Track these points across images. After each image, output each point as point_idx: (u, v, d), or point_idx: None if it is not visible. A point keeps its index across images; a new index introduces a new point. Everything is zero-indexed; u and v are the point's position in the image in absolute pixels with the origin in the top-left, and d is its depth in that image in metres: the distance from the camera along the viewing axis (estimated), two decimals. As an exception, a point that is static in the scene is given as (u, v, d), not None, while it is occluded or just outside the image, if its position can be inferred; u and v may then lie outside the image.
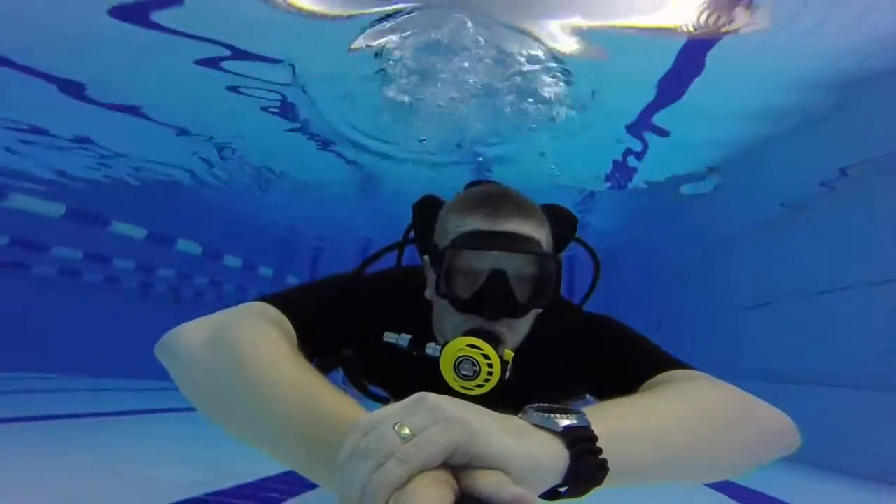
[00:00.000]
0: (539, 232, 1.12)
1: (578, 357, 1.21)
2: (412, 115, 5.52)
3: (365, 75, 4.61)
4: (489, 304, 1.07)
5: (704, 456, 0.88)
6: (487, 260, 1.08)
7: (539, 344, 1.20)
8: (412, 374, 1.20)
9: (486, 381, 1.02)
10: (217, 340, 0.95)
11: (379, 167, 7.28)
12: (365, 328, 1.22)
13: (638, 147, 5.99)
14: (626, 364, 1.12)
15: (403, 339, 1.17)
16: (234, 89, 5.10)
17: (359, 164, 7.26)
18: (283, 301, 1.12)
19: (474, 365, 1.01)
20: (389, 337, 1.18)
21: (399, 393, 1.44)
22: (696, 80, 4.22)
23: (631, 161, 6.45)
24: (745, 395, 0.99)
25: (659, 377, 1.05)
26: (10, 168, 8.25)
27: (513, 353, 1.08)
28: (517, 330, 1.12)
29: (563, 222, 1.29)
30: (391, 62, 4.41)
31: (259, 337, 0.93)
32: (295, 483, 2.71)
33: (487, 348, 1.01)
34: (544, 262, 1.12)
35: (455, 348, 1.03)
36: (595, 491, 0.69)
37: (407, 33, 3.99)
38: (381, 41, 4.08)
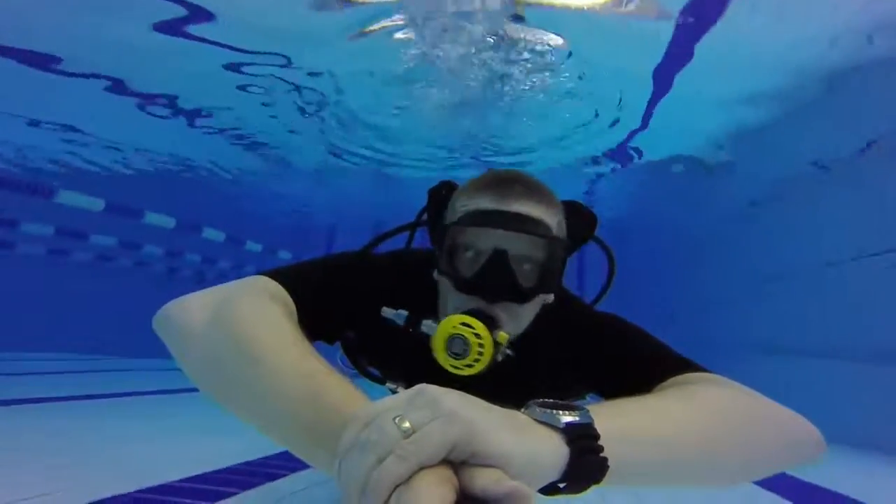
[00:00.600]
0: (549, 216, 1.06)
1: (588, 357, 1.15)
2: (422, 100, 5.44)
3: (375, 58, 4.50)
4: (489, 284, 1.01)
5: (713, 459, 0.83)
6: (491, 239, 1.03)
7: (547, 341, 1.15)
8: (409, 355, 1.16)
9: (476, 360, 0.97)
10: (218, 319, 0.91)
11: (391, 153, 7.22)
12: (368, 307, 1.17)
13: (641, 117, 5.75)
14: (638, 366, 1.05)
15: (400, 316, 1.11)
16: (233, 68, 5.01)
17: (372, 150, 7.21)
18: (287, 276, 1.07)
19: (465, 343, 0.96)
20: (387, 312, 1.13)
21: (395, 374, 1.39)
22: (706, 35, 3.84)
23: (636, 133, 6.27)
24: (761, 398, 0.93)
25: (672, 380, 0.98)
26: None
27: (507, 336, 1.01)
28: (518, 316, 1.06)
29: (581, 219, 1.23)
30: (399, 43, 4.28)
31: (261, 317, 0.89)
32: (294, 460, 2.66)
33: (480, 327, 0.96)
34: (550, 247, 1.05)
35: (448, 326, 0.98)
36: (595, 488, 0.67)
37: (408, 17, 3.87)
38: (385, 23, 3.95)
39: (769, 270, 6.58)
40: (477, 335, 0.96)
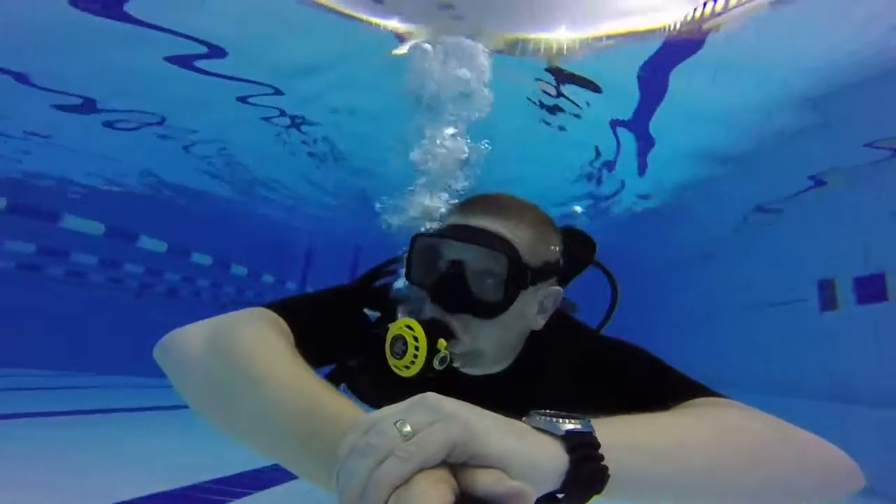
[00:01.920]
0: (513, 233, 1.00)
1: (597, 384, 1.07)
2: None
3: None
4: (439, 292, 0.99)
5: (724, 476, 0.75)
6: (449, 252, 1.02)
7: (554, 368, 1.11)
8: (408, 385, 1.12)
9: (412, 363, 0.94)
10: (216, 343, 0.88)
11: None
12: (364, 332, 1.12)
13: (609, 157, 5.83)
14: (651, 389, 0.97)
15: (374, 316, 1.10)
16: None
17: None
18: (284, 307, 1.04)
19: (404, 344, 0.95)
20: (368, 312, 1.10)
21: (400, 398, 1.31)
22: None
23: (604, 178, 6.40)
24: (784, 424, 0.85)
25: (687, 403, 0.91)
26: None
27: (446, 344, 0.96)
28: (475, 330, 1.00)
29: (578, 244, 1.18)
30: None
31: (258, 339, 0.87)
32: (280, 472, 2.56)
33: (419, 331, 0.94)
34: (508, 261, 0.98)
35: (395, 328, 0.97)
36: (596, 499, 0.63)
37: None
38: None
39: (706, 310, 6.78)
40: (415, 338, 0.94)
